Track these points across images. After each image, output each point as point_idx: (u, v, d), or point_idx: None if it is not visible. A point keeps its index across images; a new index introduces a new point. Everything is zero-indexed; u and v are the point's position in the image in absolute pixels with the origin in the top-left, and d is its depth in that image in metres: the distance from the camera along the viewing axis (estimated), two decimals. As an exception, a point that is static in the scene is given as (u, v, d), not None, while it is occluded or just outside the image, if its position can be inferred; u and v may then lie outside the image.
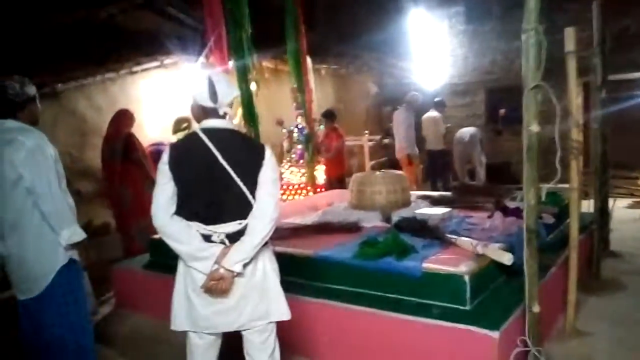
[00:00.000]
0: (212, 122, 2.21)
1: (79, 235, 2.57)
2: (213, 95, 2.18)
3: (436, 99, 8.57)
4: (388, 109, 9.91)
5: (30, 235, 2.52)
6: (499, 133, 10.10)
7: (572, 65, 3.26)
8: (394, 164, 7.81)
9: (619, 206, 6.51)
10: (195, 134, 2.19)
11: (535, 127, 2.41)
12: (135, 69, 6.38)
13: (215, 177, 2.12)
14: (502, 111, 10.16)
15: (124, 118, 5.32)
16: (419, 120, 8.14)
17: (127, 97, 6.41)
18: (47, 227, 2.51)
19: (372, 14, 11.37)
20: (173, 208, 2.14)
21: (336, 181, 7.08)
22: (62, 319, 2.60)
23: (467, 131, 8.72)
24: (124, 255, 5.07)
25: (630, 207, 7.62)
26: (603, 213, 4.99)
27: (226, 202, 2.15)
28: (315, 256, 3.41)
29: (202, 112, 2.23)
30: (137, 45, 6.56)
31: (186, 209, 2.14)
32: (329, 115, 7.22)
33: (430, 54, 10.65)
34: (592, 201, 4.69)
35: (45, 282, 2.55)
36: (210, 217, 2.14)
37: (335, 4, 12.38)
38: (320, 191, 6.78)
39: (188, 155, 2.16)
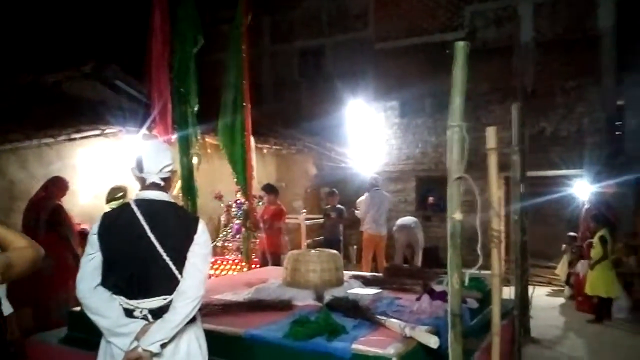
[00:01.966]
0: (146, 193, 2.18)
1: (6, 308, 2.45)
2: (139, 164, 2.18)
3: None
4: (326, 189, 10.21)
5: None
6: (427, 219, 10.61)
7: (493, 161, 3.44)
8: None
9: (538, 294, 6.86)
10: (128, 204, 2.17)
11: (458, 215, 2.53)
12: (74, 135, 6.25)
13: (140, 249, 2.06)
14: (430, 199, 10.84)
15: (58, 186, 5.13)
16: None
17: (64, 163, 6.25)
18: None
19: (314, 100, 12.03)
20: (98, 279, 2.07)
21: (271, 257, 7.06)
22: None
23: (409, 218, 9.25)
24: (34, 328, 4.68)
25: (549, 295, 8.03)
26: (523, 300, 5.25)
27: (151, 276, 2.08)
28: (244, 335, 3.33)
29: (138, 182, 2.23)
30: (79, 113, 6.47)
31: (109, 281, 2.07)
32: (269, 190, 7.30)
33: (367, 141, 11.24)
34: (513, 288, 4.94)
35: None
36: (133, 291, 2.07)
37: (280, 89, 12.99)
38: (255, 267, 6.71)
39: (117, 226, 2.11)
